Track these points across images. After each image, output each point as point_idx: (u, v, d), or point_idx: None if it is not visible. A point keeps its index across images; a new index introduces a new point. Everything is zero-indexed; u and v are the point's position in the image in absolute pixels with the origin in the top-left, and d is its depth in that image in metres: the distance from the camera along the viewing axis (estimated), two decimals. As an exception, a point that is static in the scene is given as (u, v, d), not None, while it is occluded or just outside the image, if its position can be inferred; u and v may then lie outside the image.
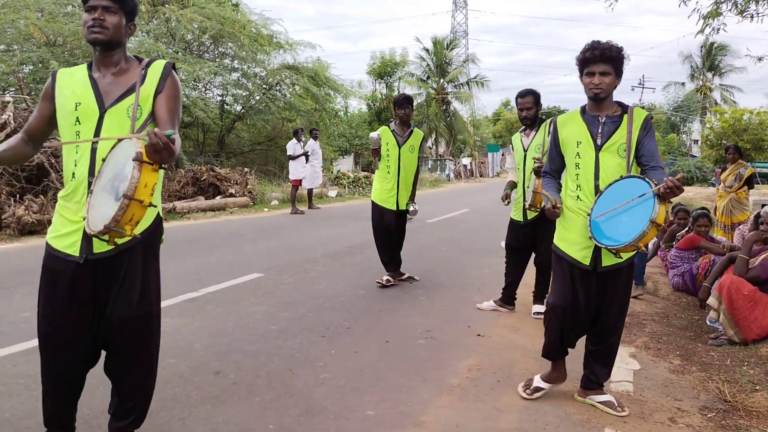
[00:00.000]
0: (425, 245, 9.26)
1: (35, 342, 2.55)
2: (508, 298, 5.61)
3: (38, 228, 9.52)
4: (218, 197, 14.60)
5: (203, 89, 19.90)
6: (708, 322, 4.91)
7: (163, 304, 5.32)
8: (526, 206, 5.17)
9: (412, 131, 6.31)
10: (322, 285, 6.37)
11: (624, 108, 3.25)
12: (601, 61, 3.10)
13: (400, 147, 6.21)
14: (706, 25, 7.66)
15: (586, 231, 3.09)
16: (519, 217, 5.38)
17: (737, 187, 8.69)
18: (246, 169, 16.75)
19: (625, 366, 4.09)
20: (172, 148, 2.10)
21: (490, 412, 3.36)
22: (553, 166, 3.48)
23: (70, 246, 2.47)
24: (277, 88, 21.66)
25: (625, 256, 3.12)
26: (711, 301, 4.61)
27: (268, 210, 14.59)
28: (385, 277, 6.36)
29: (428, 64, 39.48)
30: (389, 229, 6.31)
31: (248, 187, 15.72)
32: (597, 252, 3.17)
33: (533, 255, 5.54)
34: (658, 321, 5.28)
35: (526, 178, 5.25)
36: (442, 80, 39.35)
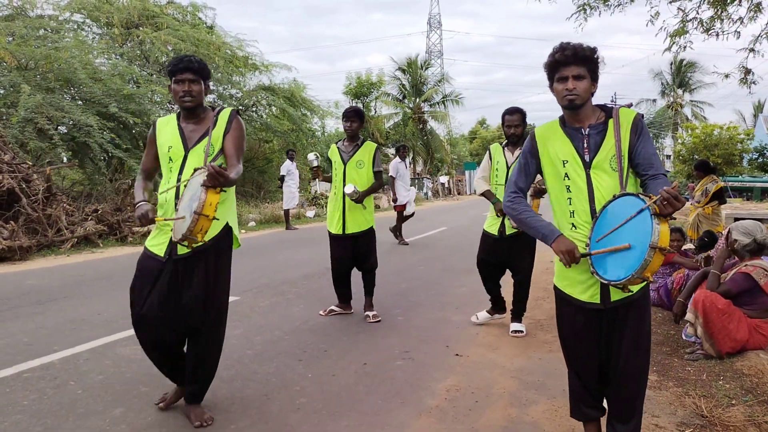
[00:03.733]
0: (403, 265, 9.24)
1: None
2: (500, 308, 5.71)
3: (9, 255, 9.32)
4: (194, 220, 14.45)
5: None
6: (684, 337, 4.93)
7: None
8: (515, 225, 4.98)
9: (360, 145, 5.72)
10: (299, 307, 6.30)
11: (608, 112, 2.70)
12: (574, 62, 2.60)
13: (345, 163, 5.68)
14: (674, 43, 7.82)
15: (588, 265, 2.58)
16: (495, 231, 5.31)
17: (704, 202, 8.82)
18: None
19: (602, 383, 4.08)
20: (225, 176, 2.91)
21: (469, 433, 3.33)
22: (521, 183, 2.88)
23: (158, 248, 3.31)
24: (254, 109, 21.67)
25: (635, 288, 2.58)
26: (688, 316, 4.63)
27: (245, 231, 14.48)
28: (330, 307, 6.03)
29: (404, 84, 39.76)
30: (337, 255, 5.80)
31: (225, 208, 15.59)
32: (605, 286, 2.61)
33: (511, 273, 5.51)
34: (635, 336, 5.29)
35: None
36: (418, 99, 39.62)
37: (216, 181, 2.91)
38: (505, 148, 5.31)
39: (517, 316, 5.48)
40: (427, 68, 41.17)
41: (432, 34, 52.10)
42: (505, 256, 5.34)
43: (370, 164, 5.68)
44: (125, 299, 6.47)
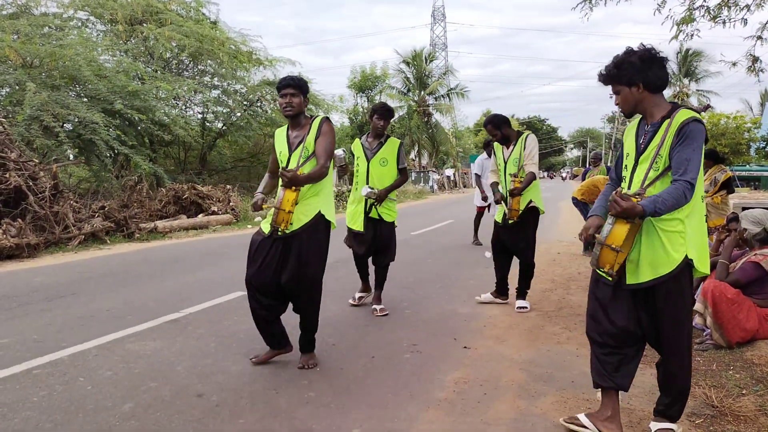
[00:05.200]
0: (410, 258, 9.22)
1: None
2: (502, 291, 6.17)
3: (17, 252, 9.35)
4: (200, 215, 14.48)
5: (183, 107, 19.82)
6: (694, 327, 4.91)
7: (143, 326, 5.31)
8: (507, 216, 5.71)
9: (383, 142, 5.71)
10: (306, 301, 6.29)
11: (672, 111, 2.90)
12: (607, 83, 3.00)
13: (368, 161, 5.68)
14: (680, 31, 7.75)
15: None
16: (500, 219, 5.91)
17: (712, 191, 8.75)
18: (228, 187, 16.63)
19: (611, 374, 4.07)
20: (289, 177, 3.77)
21: (478, 425, 3.32)
22: (613, 174, 3.30)
23: (265, 227, 4.07)
24: (258, 104, 21.63)
25: (631, 279, 2.93)
26: (698, 306, 4.61)
27: (251, 227, 14.49)
28: (357, 295, 6.16)
29: (408, 77, 39.64)
30: (359, 249, 5.85)
31: (231, 204, 15.61)
32: (621, 266, 2.90)
33: (517, 258, 5.99)
34: (644, 327, 5.27)
35: (506, 186, 5.75)
36: (422, 92, 39.50)
37: (284, 181, 3.79)
38: (503, 146, 5.88)
39: (521, 294, 5.98)
40: (431, 61, 41.04)
41: (436, 27, 51.97)
42: (509, 242, 5.91)
43: (394, 161, 5.69)
44: (133, 295, 6.54)
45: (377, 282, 5.93)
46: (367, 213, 5.68)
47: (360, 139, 5.90)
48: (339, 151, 5.74)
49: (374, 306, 5.83)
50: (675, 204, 2.70)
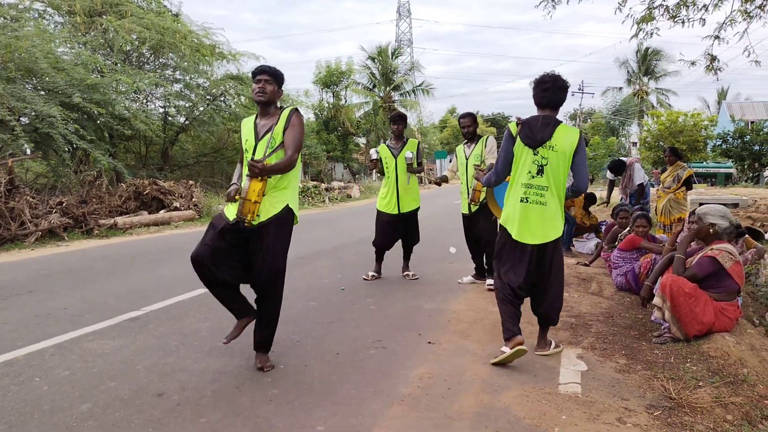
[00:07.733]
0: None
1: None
2: (480, 273, 7.00)
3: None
4: (162, 211, 14.24)
5: (144, 101, 19.45)
6: (653, 321, 5.00)
7: (102, 324, 5.21)
8: (469, 201, 6.48)
9: (405, 142, 7.02)
10: (270, 298, 6.24)
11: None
12: None
13: (396, 158, 6.93)
14: (640, 29, 7.89)
15: None
16: (465, 210, 6.70)
17: (675, 188, 8.95)
18: (191, 182, 16.39)
19: (572, 367, 4.13)
20: (257, 167, 3.68)
21: (442, 420, 3.33)
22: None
23: (230, 213, 3.97)
24: (222, 98, 21.37)
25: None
26: (656, 300, 4.69)
27: (214, 223, 14.30)
28: (371, 273, 7.25)
29: (374, 73, 39.60)
30: (388, 230, 7.07)
31: (193, 200, 15.39)
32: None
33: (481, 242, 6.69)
34: (603, 321, 5.37)
35: (469, 180, 6.54)
36: (388, 88, 39.49)
37: (253, 171, 3.71)
38: (465, 146, 6.70)
39: (490, 273, 6.61)
40: (397, 57, 41.06)
41: (402, 23, 52.03)
42: (474, 228, 6.64)
43: (415, 156, 6.90)
44: (91, 293, 6.41)
45: (405, 255, 7.40)
46: (399, 208, 6.96)
47: (385, 143, 7.14)
48: (373, 151, 7.15)
49: (406, 273, 7.38)
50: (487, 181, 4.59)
